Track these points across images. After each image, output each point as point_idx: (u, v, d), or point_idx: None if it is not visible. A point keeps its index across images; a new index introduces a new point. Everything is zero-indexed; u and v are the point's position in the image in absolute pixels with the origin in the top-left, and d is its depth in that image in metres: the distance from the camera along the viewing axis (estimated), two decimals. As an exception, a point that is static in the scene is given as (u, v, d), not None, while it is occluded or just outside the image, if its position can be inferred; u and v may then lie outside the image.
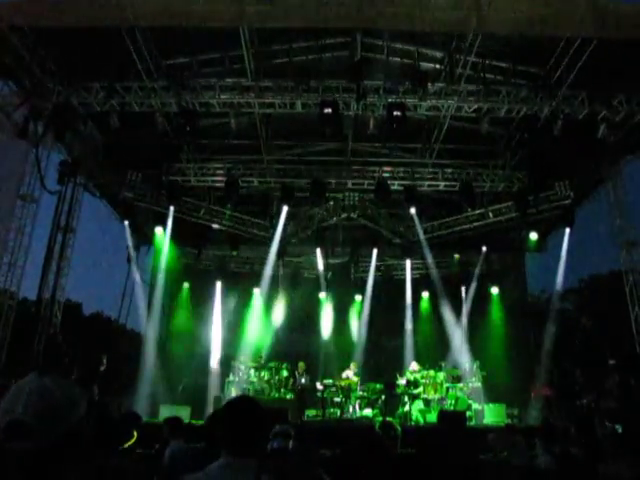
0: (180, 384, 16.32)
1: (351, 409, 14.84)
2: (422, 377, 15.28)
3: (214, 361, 18.33)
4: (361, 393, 15.32)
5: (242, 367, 15.94)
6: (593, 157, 15.09)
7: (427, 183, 16.82)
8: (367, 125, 13.98)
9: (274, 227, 18.31)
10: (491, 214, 17.78)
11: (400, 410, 14.65)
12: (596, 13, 11.03)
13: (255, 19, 11.15)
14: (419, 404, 14.78)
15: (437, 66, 13.70)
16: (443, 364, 16.14)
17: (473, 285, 19.81)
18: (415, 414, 14.42)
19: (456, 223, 18.44)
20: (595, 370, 15.74)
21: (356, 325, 20.15)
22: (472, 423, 13.79)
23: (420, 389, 15.05)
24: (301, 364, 15.89)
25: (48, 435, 1.59)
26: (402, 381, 15.30)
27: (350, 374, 15.72)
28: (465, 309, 19.66)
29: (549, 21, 11.06)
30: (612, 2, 11.54)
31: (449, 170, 16.78)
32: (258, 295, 19.66)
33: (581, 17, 10.93)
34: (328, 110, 12.40)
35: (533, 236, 17.61)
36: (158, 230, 17.20)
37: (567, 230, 16.93)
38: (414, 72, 12.95)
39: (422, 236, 18.53)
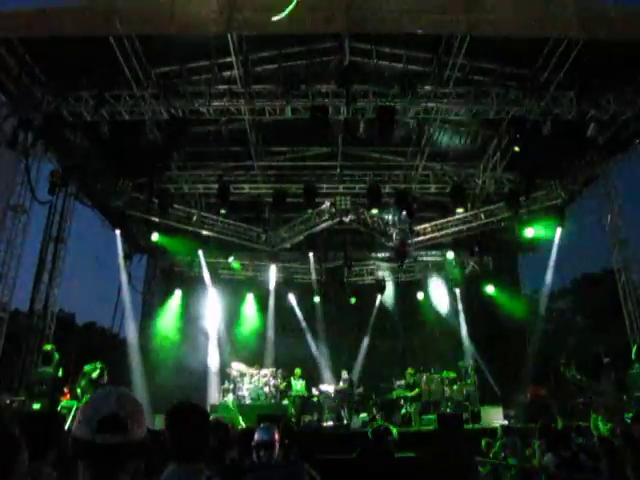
0: (174, 391, 16.24)
1: (347, 414, 14.82)
2: (418, 380, 15.28)
3: (209, 369, 18.26)
4: (357, 398, 15.32)
5: (237, 374, 15.89)
6: (583, 156, 15.19)
7: (418, 186, 16.86)
8: (357, 129, 14.01)
9: (267, 233, 18.32)
10: (483, 215, 17.83)
11: (396, 414, 14.64)
12: (582, 14, 11.13)
13: (243, 26, 11.16)
14: (415, 407, 14.78)
15: (426, 69, 13.74)
16: (439, 367, 16.14)
17: (466, 286, 19.87)
18: (412, 417, 14.42)
19: (448, 225, 18.49)
20: (590, 369, 15.80)
21: (349, 329, 20.14)
22: (469, 425, 13.79)
23: (416, 392, 15.05)
24: (296, 370, 15.87)
25: (137, 433, 1.73)
26: (398, 385, 15.31)
27: (341, 380, 15.75)
28: (460, 310, 19.71)
29: (536, 22, 11.14)
30: (598, 3, 11.67)
31: (440, 172, 16.82)
32: (252, 301, 19.62)
33: (568, 18, 11.01)
34: (318, 115, 12.42)
35: (529, 232, 17.35)
36: (154, 237, 17.12)
37: (558, 229, 16.99)
38: (403, 75, 13.00)
39: (414, 239, 18.58)
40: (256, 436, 4.46)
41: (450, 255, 19.74)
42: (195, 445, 2.36)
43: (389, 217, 18.99)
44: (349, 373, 16.41)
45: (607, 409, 12.15)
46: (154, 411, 15.04)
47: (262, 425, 4.65)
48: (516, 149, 13.44)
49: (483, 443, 9.20)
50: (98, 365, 12.77)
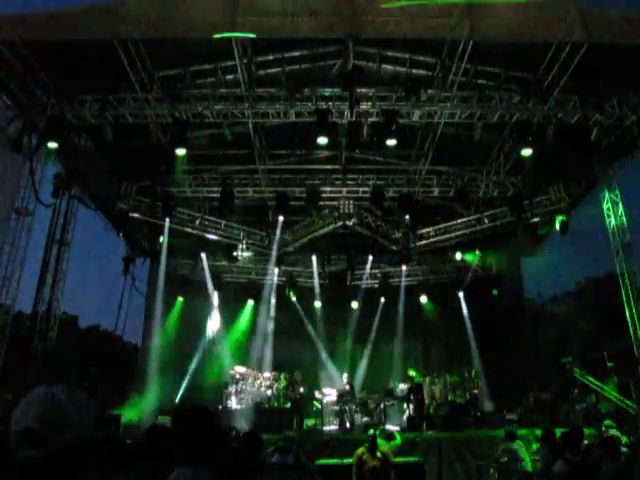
0: (177, 393, 16.27)
1: (349, 418, 14.79)
2: (421, 384, 15.25)
3: (212, 372, 18.26)
4: (359, 401, 15.29)
5: (240, 377, 15.88)
6: (587, 160, 15.16)
7: (422, 189, 16.85)
8: (361, 133, 14.02)
9: (270, 237, 18.34)
10: (486, 219, 17.81)
11: (400, 417, 14.61)
12: (586, 18, 11.14)
13: (247, 29, 11.20)
14: (418, 411, 14.74)
15: (429, 73, 13.75)
16: (442, 370, 16.11)
17: (470, 290, 19.84)
18: (415, 421, 14.38)
19: (452, 229, 18.47)
20: (594, 373, 15.76)
21: (353, 333, 20.11)
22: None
23: (419, 396, 15.01)
24: (298, 373, 15.86)
25: (57, 443, 1.63)
26: (401, 388, 15.28)
27: (343, 383, 15.73)
28: (463, 314, 19.67)
29: (540, 27, 11.16)
30: (601, 8, 11.68)
31: (443, 176, 16.82)
32: (254, 304, 19.63)
33: (571, 22, 11.02)
34: (322, 118, 12.45)
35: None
36: (160, 239, 17.16)
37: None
38: (407, 79, 13.01)
39: (418, 242, 18.57)
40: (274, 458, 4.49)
41: (453, 259, 19.71)
42: (200, 450, 2.35)
43: (393, 220, 18.97)
44: (352, 377, 16.38)
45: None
46: (157, 414, 15.07)
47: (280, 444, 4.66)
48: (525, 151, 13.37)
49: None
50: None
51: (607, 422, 10.40)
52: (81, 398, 1.77)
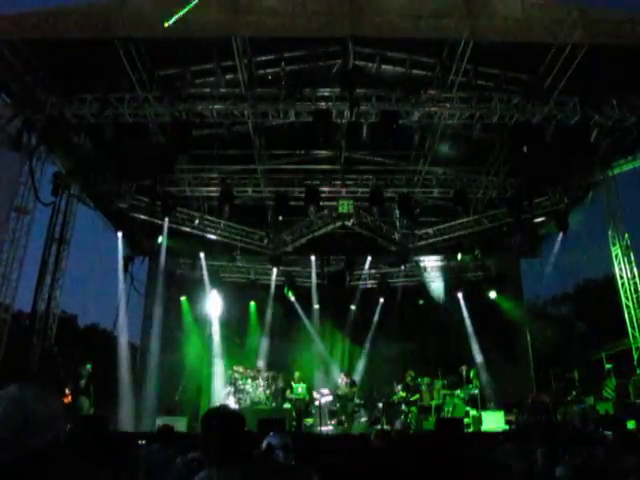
0: (176, 393, 16.24)
1: (348, 418, 14.79)
2: (419, 384, 15.25)
3: (210, 371, 18.24)
4: (358, 402, 15.29)
5: (239, 377, 15.87)
6: (586, 162, 15.16)
7: (421, 190, 16.86)
8: (360, 133, 14.02)
9: (269, 237, 18.34)
10: (486, 220, 17.82)
11: (398, 418, 14.60)
12: (586, 19, 11.15)
13: (247, 29, 11.20)
14: (416, 411, 14.75)
15: (429, 73, 13.75)
16: (441, 371, 16.10)
17: (469, 291, 19.83)
18: (413, 422, 14.38)
19: (451, 229, 18.47)
20: (592, 375, 15.75)
21: (351, 333, 20.11)
22: (470, 430, 13.75)
23: (417, 396, 15.02)
24: (297, 373, 15.86)
25: (23, 449, 1.56)
26: (399, 389, 15.27)
27: (342, 383, 15.72)
28: (461, 315, 19.66)
29: (540, 28, 11.16)
30: (602, 9, 11.68)
31: (442, 177, 16.82)
32: (253, 304, 19.62)
33: (572, 23, 11.03)
34: (321, 119, 12.46)
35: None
36: (158, 239, 17.15)
37: (560, 235, 16.92)
38: (406, 80, 13.01)
39: (417, 243, 18.58)
40: (273, 441, 4.45)
41: (452, 259, 19.71)
42: (233, 451, 2.36)
43: (392, 221, 18.98)
44: (350, 377, 16.37)
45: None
46: (155, 413, 15.07)
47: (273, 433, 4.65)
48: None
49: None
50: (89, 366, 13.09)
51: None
52: (51, 402, 1.69)
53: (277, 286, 19.79)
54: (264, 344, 19.08)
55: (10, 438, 1.55)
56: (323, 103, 12.90)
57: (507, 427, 14.00)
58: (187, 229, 17.74)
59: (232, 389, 15.63)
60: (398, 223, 18.79)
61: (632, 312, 14.85)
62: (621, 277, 15.29)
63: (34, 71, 12.32)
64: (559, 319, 32.84)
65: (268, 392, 15.50)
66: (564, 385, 15.46)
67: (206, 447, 2.40)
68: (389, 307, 20.15)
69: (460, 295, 20.00)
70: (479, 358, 18.38)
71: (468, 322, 19.62)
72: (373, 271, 20.98)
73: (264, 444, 4.44)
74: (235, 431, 2.44)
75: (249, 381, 15.73)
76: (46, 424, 1.63)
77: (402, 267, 19.74)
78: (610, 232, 15.54)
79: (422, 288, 20.62)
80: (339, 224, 17.95)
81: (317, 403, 15.11)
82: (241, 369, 16.25)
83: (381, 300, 20.46)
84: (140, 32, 11.20)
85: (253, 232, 18.86)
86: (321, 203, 16.73)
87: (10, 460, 1.55)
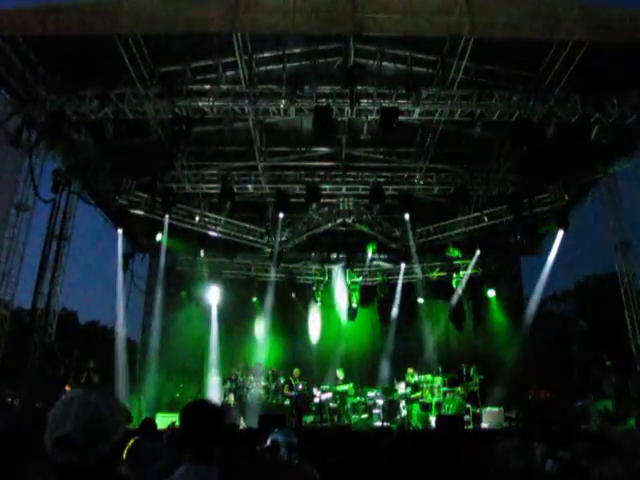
0: (176, 389, 16.26)
1: (348, 415, 14.81)
2: (420, 381, 15.27)
3: (211, 368, 18.25)
4: (358, 399, 15.30)
5: (239, 374, 15.89)
6: (586, 159, 15.15)
7: (421, 187, 16.85)
8: (361, 130, 14.01)
9: (270, 234, 18.34)
10: (486, 218, 17.81)
11: (398, 415, 14.63)
12: (587, 17, 11.11)
13: (248, 26, 11.17)
14: (417, 409, 14.76)
15: (430, 70, 13.74)
16: (440, 368, 16.10)
17: (469, 288, 19.83)
18: (413, 419, 14.40)
19: (451, 227, 18.46)
20: (592, 372, 15.77)
21: (351, 330, 20.10)
22: (470, 427, 13.76)
23: (418, 393, 15.03)
24: (296, 370, 15.88)
25: (94, 451, 1.66)
26: (400, 386, 15.29)
27: (341, 380, 15.76)
28: (462, 312, 19.66)
29: (541, 25, 11.13)
30: (603, 6, 11.65)
31: (443, 174, 16.81)
32: (253, 301, 19.61)
33: (573, 21, 11.00)
34: (322, 116, 12.44)
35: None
36: (158, 237, 17.14)
37: (560, 232, 16.87)
38: (407, 77, 12.99)
39: (417, 240, 18.57)
40: (279, 438, 4.43)
41: (453, 257, 19.70)
42: (209, 447, 2.33)
43: (392, 218, 18.96)
44: (350, 374, 16.38)
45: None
46: (155, 410, 15.10)
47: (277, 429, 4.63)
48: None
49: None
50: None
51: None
52: (116, 405, 1.80)
53: (277, 283, 19.79)
54: (264, 341, 19.07)
55: (85, 442, 1.65)
56: (324, 100, 12.87)
57: (507, 424, 14.03)
58: (187, 226, 17.73)
59: (232, 385, 15.64)
60: (398, 220, 18.75)
61: (632, 309, 14.85)
62: (622, 274, 15.30)
63: (34, 67, 12.28)
64: (559, 316, 32.89)
65: (268, 389, 15.52)
66: (564, 382, 15.48)
67: (184, 442, 2.36)
68: (389, 304, 20.13)
69: (460, 292, 19.98)
70: (479, 355, 18.36)
71: (468, 319, 19.63)
72: (373, 268, 20.97)
73: (269, 441, 4.42)
74: (214, 426, 2.41)
75: (249, 378, 15.75)
76: (113, 428, 1.73)
77: (402, 264, 19.70)
78: (611, 229, 15.53)
79: (422, 285, 20.60)
80: (339, 221, 17.94)
81: (317, 400, 15.12)
82: (241, 366, 16.27)
83: (381, 297, 20.45)
84: (141, 28, 11.17)
85: (254, 229, 18.85)
86: (322, 200, 16.71)
87: (84, 463, 1.64)
